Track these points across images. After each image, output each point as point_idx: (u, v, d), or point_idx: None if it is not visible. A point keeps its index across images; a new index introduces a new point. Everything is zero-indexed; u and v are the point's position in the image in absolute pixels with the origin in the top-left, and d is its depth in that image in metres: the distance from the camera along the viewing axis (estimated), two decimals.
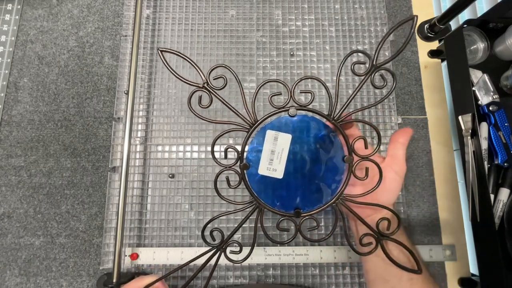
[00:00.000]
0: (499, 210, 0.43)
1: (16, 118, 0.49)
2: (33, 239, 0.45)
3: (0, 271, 0.44)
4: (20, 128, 0.48)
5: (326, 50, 0.52)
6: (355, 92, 0.32)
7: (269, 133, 0.32)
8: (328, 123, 0.32)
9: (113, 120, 0.49)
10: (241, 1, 0.54)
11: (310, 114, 0.33)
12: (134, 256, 0.44)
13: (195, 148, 0.48)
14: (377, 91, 0.50)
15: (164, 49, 0.32)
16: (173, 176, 0.47)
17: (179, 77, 0.32)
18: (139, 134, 0.48)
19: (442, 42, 0.52)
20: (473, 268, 0.45)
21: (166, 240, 0.45)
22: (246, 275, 0.44)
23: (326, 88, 0.32)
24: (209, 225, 0.32)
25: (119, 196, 0.42)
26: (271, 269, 0.45)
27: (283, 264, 0.45)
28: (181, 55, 0.32)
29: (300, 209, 0.32)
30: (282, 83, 0.32)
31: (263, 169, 0.32)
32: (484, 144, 0.44)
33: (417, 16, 0.30)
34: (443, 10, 0.48)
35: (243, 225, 0.45)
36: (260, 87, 0.32)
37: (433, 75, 0.52)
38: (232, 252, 0.32)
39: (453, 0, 0.46)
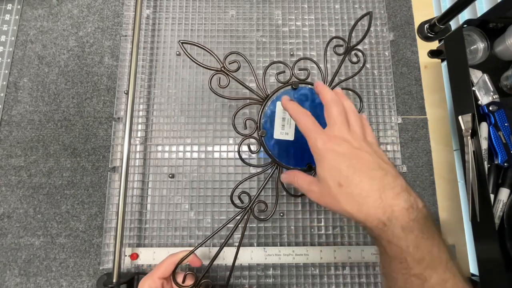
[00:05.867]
0: (499, 210, 0.43)
1: (16, 118, 0.49)
2: (33, 239, 0.45)
3: (0, 271, 0.44)
4: (20, 128, 0.48)
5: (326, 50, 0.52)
6: (339, 66, 0.41)
7: (279, 104, 0.39)
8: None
9: (113, 120, 0.49)
10: (241, 1, 0.54)
11: (308, 86, 0.40)
12: (134, 256, 0.44)
13: (195, 148, 0.48)
14: (377, 91, 0.50)
15: (185, 41, 0.38)
16: (173, 176, 0.47)
17: (201, 64, 0.38)
18: (139, 134, 0.48)
19: (442, 42, 0.52)
20: (473, 268, 0.45)
21: (166, 240, 0.45)
22: (246, 275, 0.44)
23: (318, 65, 0.41)
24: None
25: (119, 196, 0.42)
26: (271, 269, 0.45)
27: (283, 264, 0.45)
28: (200, 45, 0.39)
29: (311, 164, 0.38)
30: (284, 64, 0.42)
31: (277, 134, 0.38)
32: (484, 144, 0.44)
33: (371, 11, 0.42)
34: (443, 10, 0.48)
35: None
36: (268, 67, 0.41)
37: (433, 75, 0.52)
38: (260, 211, 0.39)
39: (453, 0, 0.46)
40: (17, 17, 0.52)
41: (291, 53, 0.52)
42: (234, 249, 0.44)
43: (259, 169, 0.41)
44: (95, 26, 0.53)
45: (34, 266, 0.44)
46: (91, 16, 0.53)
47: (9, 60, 0.50)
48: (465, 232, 0.47)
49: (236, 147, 0.41)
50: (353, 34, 0.53)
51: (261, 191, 0.37)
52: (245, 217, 0.37)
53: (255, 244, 0.45)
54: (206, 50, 0.38)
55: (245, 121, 0.39)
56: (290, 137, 0.39)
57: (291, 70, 0.40)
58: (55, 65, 0.51)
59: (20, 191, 0.46)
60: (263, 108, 0.39)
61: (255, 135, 0.39)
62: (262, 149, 0.38)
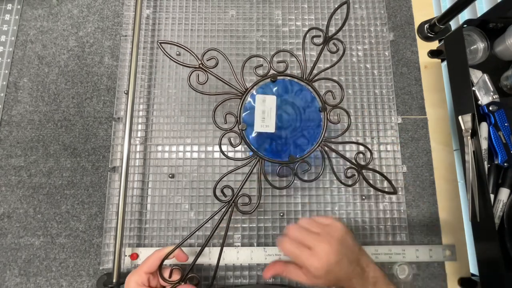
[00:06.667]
0: (499, 210, 0.43)
1: (16, 118, 0.49)
2: (33, 239, 0.45)
3: (0, 271, 0.44)
4: (20, 128, 0.48)
5: (326, 51, 0.52)
6: (318, 57, 0.42)
7: (258, 97, 0.39)
8: (301, 82, 0.41)
9: (113, 120, 0.49)
10: (241, 1, 0.54)
11: (287, 78, 0.40)
12: (134, 256, 0.44)
13: (195, 148, 0.48)
14: (377, 91, 0.50)
15: (164, 41, 0.39)
16: (173, 176, 0.47)
17: (177, 61, 0.39)
18: (139, 134, 0.48)
19: (442, 42, 0.52)
20: (473, 268, 0.45)
21: (166, 240, 0.45)
22: (246, 275, 0.44)
23: (297, 57, 0.41)
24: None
25: (119, 196, 0.42)
26: None
27: None
28: (177, 44, 0.39)
29: (293, 156, 0.38)
30: (262, 57, 0.41)
31: (258, 127, 0.38)
32: (484, 144, 0.44)
33: (348, 0, 0.42)
34: (443, 10, 0.48)
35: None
36: (246, 61, 0.40)
37: (433, 75, 0.52)
38: (244, 204, 0.39)
39: (453, 0, 0.46)
40: (17, 17, 0.52)
41: (291, 53, 0.51)
42: (233, 249, 0.44)
43: (241, 162, 0.40)
44: (95, 26, 0.53)
45: (34, 266, 0.44)
46: (91, 16, 0.53)
47: (9, 60, 0.50)
48: (465, 232, 0.47)
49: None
50: (353, 34, 0.54)
51: (244, 184, 0.37)
52: (229, 210, 0.37)
53: (255, 244, 0.45)
54: (184, 48, 0.39)
55: (225, 115, 0.38)
56: (271, 129, 0.38)
57: (269, 63, 0.40)
58: (55, 65, 0.51)
59: (20, 191, 0.46)
60: (242, 102, 0.39)
61: (236, 129, 0.39)
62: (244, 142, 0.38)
